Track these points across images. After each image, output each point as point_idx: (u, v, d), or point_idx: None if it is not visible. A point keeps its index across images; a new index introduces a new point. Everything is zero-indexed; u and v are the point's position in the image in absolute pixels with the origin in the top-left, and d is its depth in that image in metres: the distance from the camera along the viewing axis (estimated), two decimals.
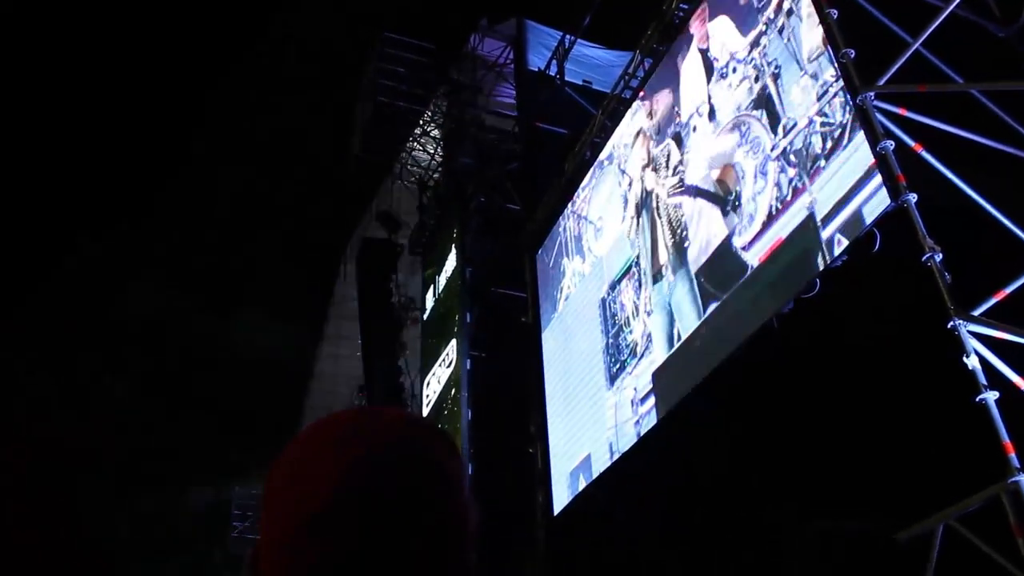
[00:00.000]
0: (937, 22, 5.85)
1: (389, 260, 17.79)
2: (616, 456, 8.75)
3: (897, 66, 5.86)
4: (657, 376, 8.32)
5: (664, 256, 8.62)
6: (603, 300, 9.87)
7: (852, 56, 6.02)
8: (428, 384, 14.69)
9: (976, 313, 4.90)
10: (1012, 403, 4.60)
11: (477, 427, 12.40)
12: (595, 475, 9.12)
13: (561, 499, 9.90)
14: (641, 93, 9.73)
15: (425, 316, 15.94)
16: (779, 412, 6.99)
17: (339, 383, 23.76)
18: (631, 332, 9.09)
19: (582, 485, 9.37)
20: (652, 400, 8.30)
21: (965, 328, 4.82)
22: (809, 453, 6.47)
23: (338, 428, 0.88)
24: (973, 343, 4.79)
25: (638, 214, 9.35)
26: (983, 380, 4.67)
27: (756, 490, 7.03)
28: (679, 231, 8.34)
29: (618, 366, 9.21)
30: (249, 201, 29.73)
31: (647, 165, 9.29)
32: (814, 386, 6.64)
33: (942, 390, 5.30)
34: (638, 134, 9.65)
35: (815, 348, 6.70)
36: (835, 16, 6.26)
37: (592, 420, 9.52)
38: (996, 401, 4.59)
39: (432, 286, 15.58)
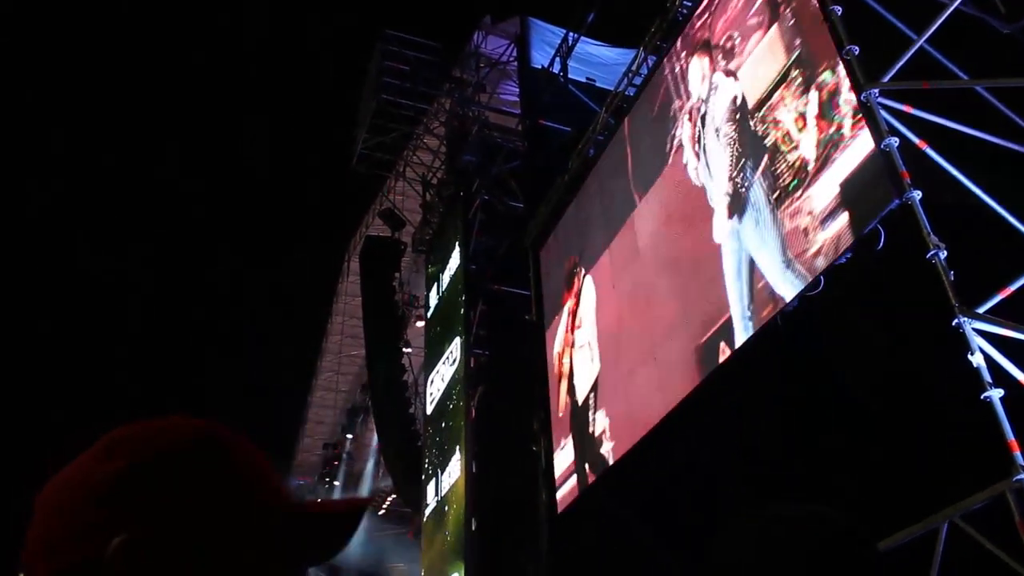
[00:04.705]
0: (942, 18, 5.83)
1: (392, 258, 17.80)
2: (620, 455, 8.75)
3: (901, 63, 5.84)
4: (664, 372, 8.32)
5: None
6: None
7: (856, 53, 6.00)
8: (432, 382, 14.70)
9: (981, 310, 4.89)
10: (1017, 400, 4.59)
11: (481, 425, 12.41)
12: (600, 473, 9.12)
13: (565, 497, 9.90)
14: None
15: (429, 314, 15.94)
16: (785, 410, 6.97)
17: (342, 381, 23.79)
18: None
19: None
20: (658, 396, 8.30)
21: (970, 325, 4.81)
22: (813, 451, 6.46)
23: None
24: (978, 340, 4.78)
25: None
26: (988, 378, 4.65)
27: (759, 487, 7.01)
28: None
29: None
30: (253, 198, 29.75)
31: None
32: (818, 384, 6.62)
33: (947, 388, 5.29)
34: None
35: (818, 345, 6.69)
36: (839, 13, 6.24)
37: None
38: (1001, 399, 4.58)
39: (435, 284, 15.58)
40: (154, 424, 0.92)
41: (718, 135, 7.86)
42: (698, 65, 8.54)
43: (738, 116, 7.49)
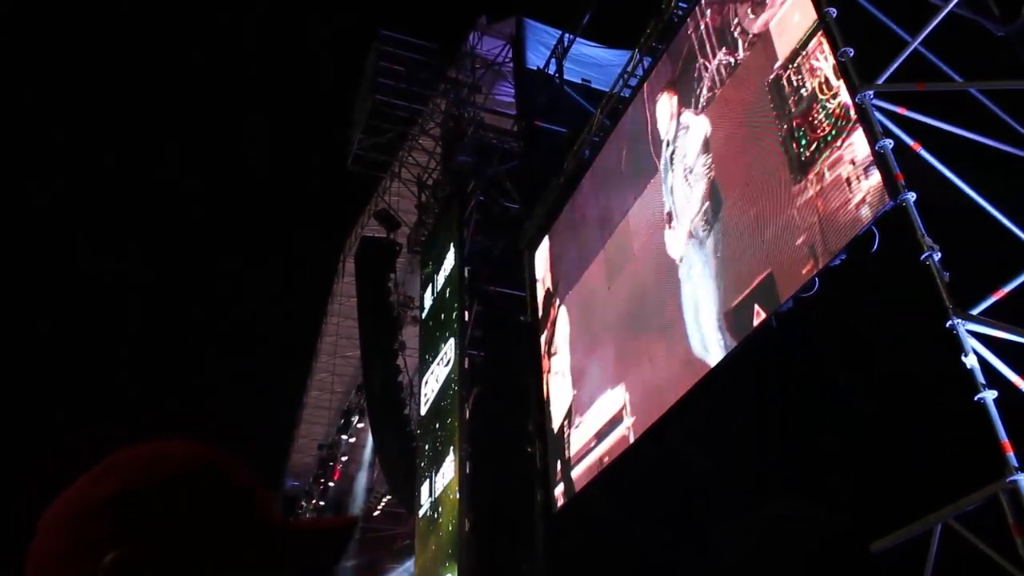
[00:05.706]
0: (936, 21, 5.84)
1: (387, 258, 17.78)
2: (616, 456, 8.75)
3: (896, 65, 5.85)
4: (659, 376, 8.33)
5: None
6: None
7: (851, 55, 6.01)
8: (427, 382, 14.68)
9: (975, 312, 4.90)
10: (1010, 402, 4.60)
11: (475, 425, 12.40)
12: (596, 475, 9.13)
13: (560, 497, 9.90)
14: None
15: (424, 314, 15.93)
16: (779, 411, 6.98)
17: (337, 382, 23.74)
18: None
19: (582, 484, 9.38)
20: (654, 399, 8.30)
21: (963, 327, 4.82)
22: (809, 452, 6.47)
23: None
24: (971, 342, 4.79)
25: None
26: (981, 379, 4.66)
27: (756, 488, 7.03)
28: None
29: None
30: (251, 197, 29.70)
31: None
32: (813, 385, 6.63)
33: (941, 389, 5.30)
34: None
35: (813, 347, 6.69)
36: (834, 15, 6.25)
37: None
38: (994, 400, 4.59)
39: (431, 284, 15.57)
40: (152, 447, 0.96)
41: (687, 177, 7.96)
42: (666, 103, 8.57)
43: (707, 155, 7.60)
